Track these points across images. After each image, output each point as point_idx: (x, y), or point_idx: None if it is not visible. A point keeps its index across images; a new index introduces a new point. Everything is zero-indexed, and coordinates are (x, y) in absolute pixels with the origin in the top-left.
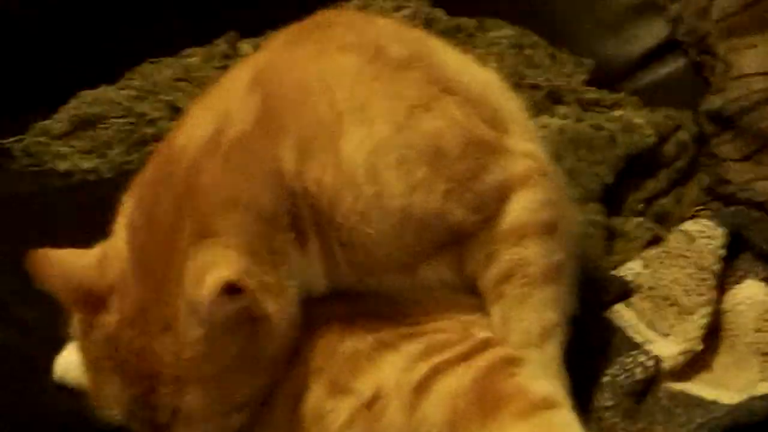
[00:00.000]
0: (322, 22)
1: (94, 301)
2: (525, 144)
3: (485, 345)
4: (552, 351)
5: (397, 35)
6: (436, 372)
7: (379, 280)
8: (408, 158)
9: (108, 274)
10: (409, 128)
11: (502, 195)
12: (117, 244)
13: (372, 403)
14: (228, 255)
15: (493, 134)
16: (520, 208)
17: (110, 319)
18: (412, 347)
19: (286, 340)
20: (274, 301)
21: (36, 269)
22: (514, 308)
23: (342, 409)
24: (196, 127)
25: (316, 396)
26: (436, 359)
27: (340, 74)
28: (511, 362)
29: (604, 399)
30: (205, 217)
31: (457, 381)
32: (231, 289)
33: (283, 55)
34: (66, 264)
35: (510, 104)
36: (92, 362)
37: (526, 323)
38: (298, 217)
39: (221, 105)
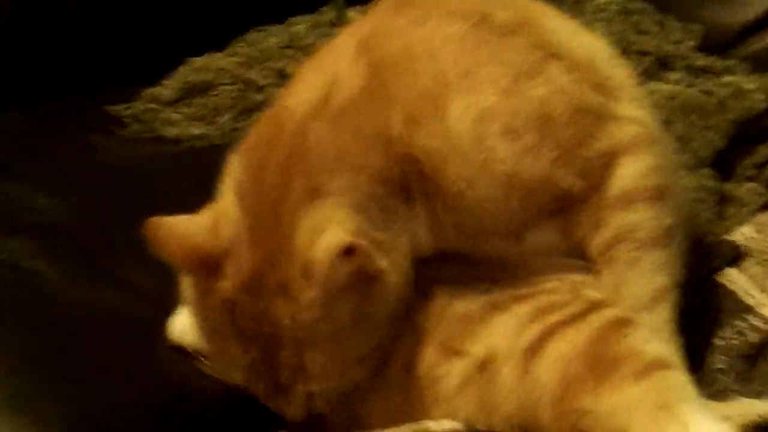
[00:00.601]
0: None
1: (209, 265)
2: (633, 110)
3: (596, 306)
4: (664, 315)
5: (502, 0)
6: (547, 334)
7: (486, 244)
8: (515, 125)
9: (221, 238)
10: (515, 95)
11: (610, 161)
12: (227, 208)
13: (484, 365)
14: (340, 214)
15: (600, 100)
16: (628, 173)
17: (226, 284)
18: (523, 309)
19: (400, 297)
20: (386, 258)
21: (152, 236)
22: (624, 273)
23: (455, 371)
24: (304, 91)
25: (428, 359)
26: (548, 321)
27: (445, 41)
28: (622, 323)
29: (717, 362)
30: (315, 177)
31: (569, 343)
32: (346, 251)
33: (388, 21)
34: (180, 230)
35: (618, 71)
36: (210, 328)
37: (637, 287)
38: (407, 181)
39: (328, 70)
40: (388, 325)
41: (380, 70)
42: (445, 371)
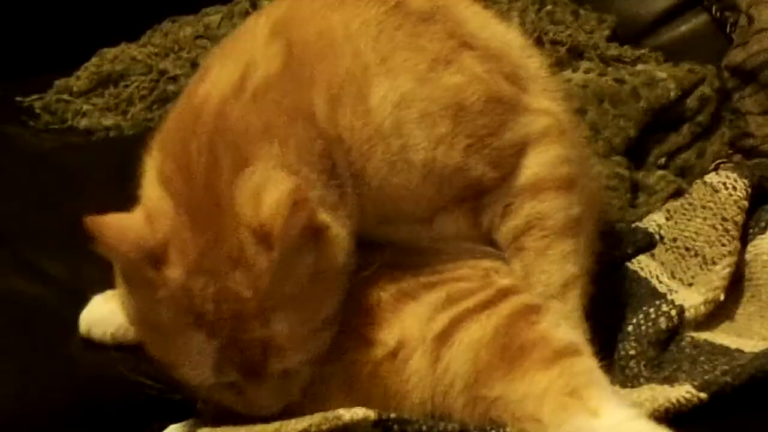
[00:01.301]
0: None
1: (154, 258)
2: (544, 101)
3: (506, 292)
4: (573, 303)
5: None
6: (458, 321)
7: (396, 228)
8: (430, 112)
9: (158, 230)
10: (430, 82)
11: (521, 151)
12: (156, 202)
13: (395, 353)
14: (275, 175)
15: (513, 90)
16: (538, 163)
17: (174, 273)
18: (434, 297)
19: (349, 253)
20: (329, 213)
21: (98, 234)
22: (534, 261)
23: (367, 359)
24: (219, 76)
25: (344, 346)
26: (458, 308)
27: (363, 24)
28: (532, 310)
29: (628, 348)
30: (242, 149)
31: (479, 330)
32: (294, 204)
33: (302, 4)
34: (118, 226)
35: (530, 62)
36: (167, 325)
37: (546, 275)
38: (331, 161)
39: (243, 53)
40: (343, 283)
41: (298, 51)
42: (357, 359)
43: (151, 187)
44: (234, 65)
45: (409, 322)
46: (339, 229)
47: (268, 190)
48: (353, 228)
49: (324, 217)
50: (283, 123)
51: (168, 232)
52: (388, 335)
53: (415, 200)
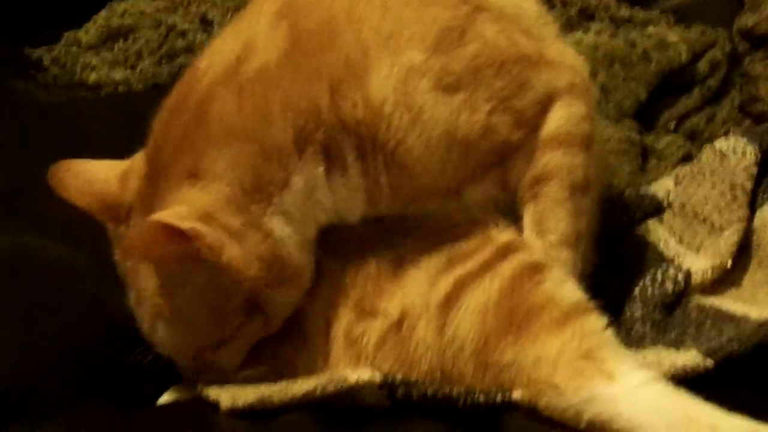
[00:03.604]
0: None
1: (116, 214)
2: (567, 54)
3: (507, 250)
4: (578, 261)
5: None
6: (461, 285)
7: (425, 204)
8: (446, 81)
9: (128, 190)
10: (443, 51)
11: (546, 106)
12: (138, 162)
13: (400, 323)
14: (194, 198)
15: (532, 45)
16: (563, 116)
17: (123, 233)
18: (433, 261)
19: (260, 284)
20: (239, 247)
21: (57, 180)
22: (551, 209)
23: (371, 331)
24: (218, 53)
25: (346, 319)
26: (459, 271)
27: (368, 5)
28: (536, 268)
29: (634, 310)
30: (200, 153)
31: (483, 294)
32: (172, 232)
33: None
34: (89, 175)
35: (544, 27)
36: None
37: (563, 224)
38: (337, 146)
39: (245, 34)
40: (249, 304)
41: (302, 38)
42: (361, 331)
43: (145, 148)
44: (233, 46)
45: (411, 290)
46: (242, 264)
47: (165, 208)
48: (358, 214)
49: (227, 250)
50: (258, 122)
51: (132, 196)
52: (390, 305)
53: (441, 172)
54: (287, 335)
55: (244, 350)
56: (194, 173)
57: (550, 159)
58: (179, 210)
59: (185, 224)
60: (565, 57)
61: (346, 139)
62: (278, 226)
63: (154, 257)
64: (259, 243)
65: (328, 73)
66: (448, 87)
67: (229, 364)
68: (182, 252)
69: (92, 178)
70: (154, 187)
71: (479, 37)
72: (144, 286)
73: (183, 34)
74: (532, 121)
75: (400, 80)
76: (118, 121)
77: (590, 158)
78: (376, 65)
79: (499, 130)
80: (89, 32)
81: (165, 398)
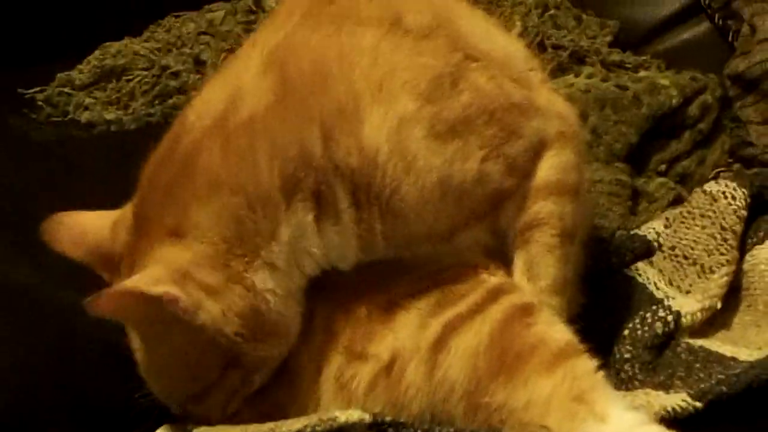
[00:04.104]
0: None
1: (110, 264)
2: (556, 102)
3: (498, 292)
4: (565, 306)
5: (416, 2)
6: (451, 328)
7: (417, 249)
8: (439, 130)
9: (118, 241)
10: (436, 99)
11: (536, 154)
12: (127, 212)
13: (390, 366)
14: (173, 256)
15: (522, 93)
16: (552, 166)
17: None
18: (423, 303)
19: (239, 336)
20: (218, 305)
21: (50, 234)
22: (541, 255)
23: (362, 374)
24: (206, 104)
25: (336, 363)
26: (450, 313)
27: (358, 53)
28: (526, 311)
29: (624, 351)
30: (184, 209)
31: (474, 337)
32: (143, 297)
33: (299, 33)
34: (81, 227)
35: (534, 75)
36: None
37: (552, 270)
38: (329, 194)
39: (233, 83)
40: (229, 355)
41: (291, 86)
42: (351, 374)
43: (133, 198)
44: (222, 95)
45: (401, 332)
46: (219, 321)
47: (144, 267)
48: (351, 261)
49: (203, 309)
50: (244, 171)
51: (122, 248)
52: (380, 348)
53: (435, 219)
54: (278, 378)
55: (231, 403)
56: (176, 230)
57: (541, 207)
58: (154, 272)
59: (157, 290)
60: (554, 104)
61: (340, 186)
62: (261, 280)
63: (126, 321)
64: (239, 299)
65: (320, 119)
66: (442, 135)
67: (215, 416)
68: (155, 315)
69: (85, 229)
70: (138, 242)
71: (471, 85)
72: (130, 337)
73: (176, 74)
74: (523, 169)
75: (394, 129)
76: (112, 160)
77: (579, 206)
78: (368, 113)
79: (492, 178)
80: (82, 72)
81: None
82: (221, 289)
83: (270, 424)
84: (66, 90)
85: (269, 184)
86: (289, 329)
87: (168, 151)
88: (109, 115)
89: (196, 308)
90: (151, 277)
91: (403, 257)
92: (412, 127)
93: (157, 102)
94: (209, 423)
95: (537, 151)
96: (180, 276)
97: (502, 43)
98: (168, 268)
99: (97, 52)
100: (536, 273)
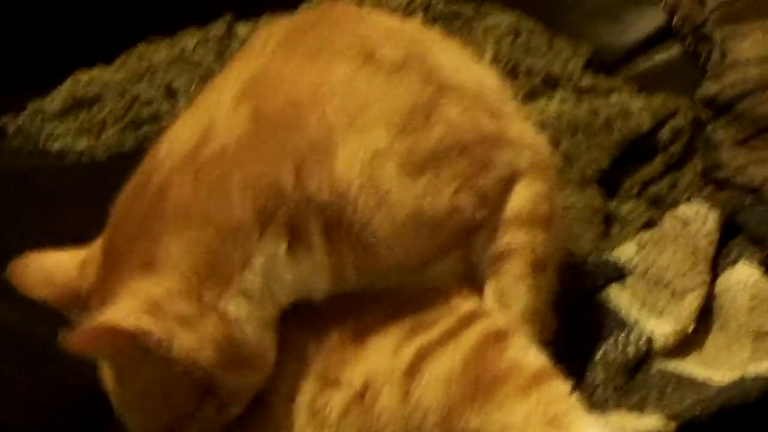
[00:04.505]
0: (316, 20)
1: (77, 302)
2: (527, 133)
3: (471, 318)
4: (536, 336)
5: (390, 34)
6: (424, 354)
7: (389, 280)
8: (411, 163)
9: (86, 279)
10: (408, 133)
11: (508, 185)
12: (96, 249)
13: (363, 392)
14: (144, 289)
15: (495, 124)
16: (524, 197)
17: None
18: (397, 329)
19: (215, 370)
20: (192, 335)
21: (16, 276)
22: (512, 285)
23: (335, 401)
24: (177, 139)
25: (309, 391)
26: (423, 339)
27: (331, 85)
28: (499, 336)
29: (596, 375)
30: (155, 242)
31: (447, 362)
32: (115, 332)
33: (273, 66)
34: (48, 267)
35: (507, 102)
36: None
37: (523, 300)
38: (301, 226)
39: (206, 116)
40: (203, 388)
41: (264, 120)
42: (324, 402)
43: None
44: (193, 129)
45: (374, 359)
46: (194, 351)
47: (115, 302)
48: (321, 292)
49: (177, 340)
50: (215, 204)
51: (90, 286)
52: (353, 375)
53: (407, 252)
54: (251, 407)
55: (210, 429)
56: (148, 263)
57: (513, 237)
58: (126, 305)
59: (129, 323)
60: (526, 135)
61: (312, 219)
62: (235, 309)
63: (99, 355)
64: (213, 327)
65: (293, 152)
66: (414, 169)
67: None
68: (130, 347)
69: (52, 270)
70: (109, 278)
71: (444, 118)
72: (103, 373)
73: (148, 103)
74: (495, 200)
75: (366, 163)
76: (83, 190)
77: (551, 235)
78: (341, 146)
79: (464, 210)
80: (54, 101)
81: None
82: (195, 319)
83: None
84: (37, 119)
85: (241, 215)
86: (265, 358)
87: (139, 186)
88: (80, 144)
89: (169, 340)
90: (123, 311)
91: (374, 288)
92: (384, 161)
93: (128, 131)
94: None
95: (509, 182)
96: (153, 308)
97: (475, 75)
98: (140, 300)
99: (68, 81)
100: (507, 302)
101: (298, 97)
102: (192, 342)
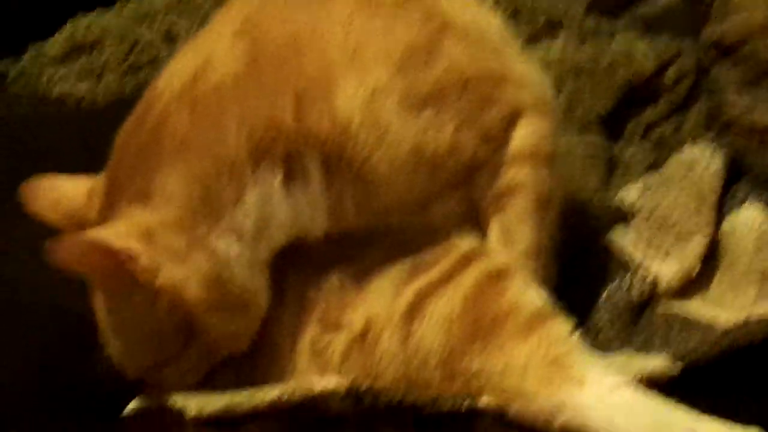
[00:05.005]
0: None
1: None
2: (531, 73)
3: (470, 258)
4: (541, 273)
5: None
6: (424, 296)
7: (389, 219)
8: (412, 100)
9: (92, 208)
10: (410, 69)
11: (511, 123)
12: (101, 180)
13: (364, 334)
14: (138, 217)
15: (497, 63)
16: (526, 135)
17: None
18: (396, 271)
19: (200, 308)
20: (181, 269)
21: (27, 197)
22: (516, 222)
23: (337, 343)
24: (176, 72)
25: (311, 333)
26: (422, 281)
27: (332, 22)
28: (499, 276)
29: (601, 317)
30: (152, 172)
31: (447, 304)
32: (103, 250)
33: (272, 2)
34: (58, 192)
35: (509, 46)
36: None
37: (527, 236)
38: (298, 160)
39: (204, 50)
40: (198, 325)
41: (263, 55)
42: (326, 344)
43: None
44: (192, 62)
45: (374, 301)
46: (181, 285)
47: (107, 228)
48: (319, 230)
49: (165, 272)
50: (212, 136)
51: (95, 215)
52: (354, 317)
53: (407, 190)
54: (253, 352)
55: (195, 373)
56: (145, 194)
57: (516, 174)
58: (117, 228)
59: (118, 244)
60: (528, 74)
61: (310, 154)
62: (225, 246)
63: (86, 275)
64: (202, 263)
65: (292, 86)
66: (415, 106)
67: (178, 385)
68: (115, 271)
69: (61, 195)
70: (109, 207)
71: (445, 56)
72: (94, 299)
73: (147, 47)
74: (497, 138)
75: (367, 99)
76: (83, 135)
77: (553, 174)
78: (341, 82)
79: (466, 147)
80: (54, 46)
81: (131, 408)
82: (184, 253)
83: (247, 392)
84: (38, 63)
85: (237, 148)
86: (253, 303)
87: (139, 119)
88: (81, 89)
89: (156, 269)
90: (114, 232)
91: (374, 227)
92: (385, 97)
93: (129, 75)
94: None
95: (511, 120)
96: (144, 235)
97: (477, 16)
98: (133, 226)
99: (68, 26)
100: (512, 238)
101: (297, 34)
102: (179, 275)
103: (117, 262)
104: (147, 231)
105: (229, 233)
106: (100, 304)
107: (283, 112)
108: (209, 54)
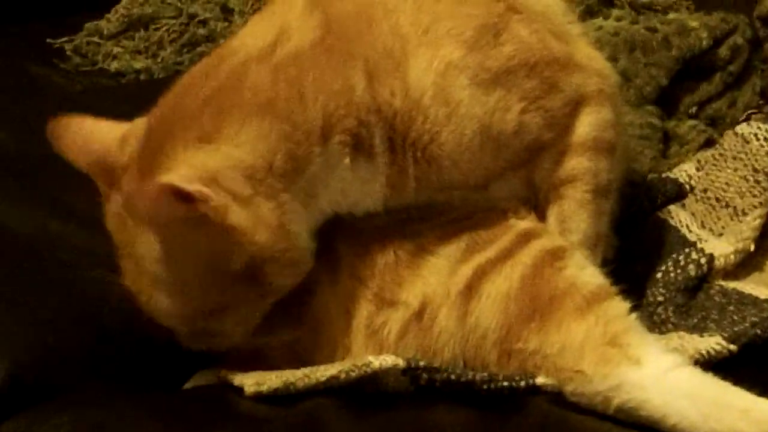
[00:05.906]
0: None
1: (111, 175)
2: (595, 60)
3: (527, 236)
4: (598, 259)
5: None
6: (481, 273)
7: (450, 196)
8: (483, 78)
9: (125, 153)
10: (480, 49)
11: (575, 110)
12: (139, 126)
13: (421, 312)
14: (199, 161)
15: (562, 48)
16: (590, 123)
17: (118, 198)
18: (452, 248)
19: (264, 253)
20: (246, 213)
21: (55, 136)
22: (574, 210)
23: (393, 321)
24: (252, 36)
25: (366, 310)
26: (479, 259)
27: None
28: (556, 255)
29: (657, 294)
30: (224, 117)
31: (505, 282)
32: (178, 194)
33: None
34: (87, 134)
35: (571, 28)
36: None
37: (584, 225)
38: (366, 134)
39: (278, 20)
40: (252, 278)
41: (337, 26)
42: (382, 322)
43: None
44: (267, 31)
45: (431, 278)
46: (249, 232)
47: (166, 171)
48: (378, 203)
49: (234, 215)
50: (291, 102)
51: (130, 158)
52: (410, 295)
53: (472, 168)
54: (306, 326)
55: (248, 322)
56: (207, 136)
57: (577, 163)
58: (184, 172)
59: (192, 187)
60: (592, 61)
61: (378, 126)
62: (291, 205)
63: (158, 220)
64: (269, 212)
65: (364, 57)
66: (485, 85)
67: (233, 334)
68: (186, 214)
69: (92, 137)
70: (155, 149)
71: (514, 37)
72: (142, 252)
73: (204, 22)
74: (561, 123)
75: (440, 74)
76: (140, 109)
77: (614, 163)
78: (414, 56)
79: (530, 130)
80: (110, 22)
81: (191, 383)
82: (250, 200)
83: (305, 370)
84: (94, 39)
85: (312, 116)
86: (307, 261)
87: (208, 71)
88: (138, 64)
89: (225, 211)
90: (184, 176)
91: (432, 203)
92: (457, 73)
93: (185, 50)
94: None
95: (575, 106)
96: (209, 179)
97: None
98: (198, 169)
99: (124, 1)
100: (568, 227)
101: (368, 6)
102: (246, 219)
103: (189, 206)
104: (211, 174)
105: (295, 193)
106: (154, 254)
107: (355, 84)
108: (284, 23)
